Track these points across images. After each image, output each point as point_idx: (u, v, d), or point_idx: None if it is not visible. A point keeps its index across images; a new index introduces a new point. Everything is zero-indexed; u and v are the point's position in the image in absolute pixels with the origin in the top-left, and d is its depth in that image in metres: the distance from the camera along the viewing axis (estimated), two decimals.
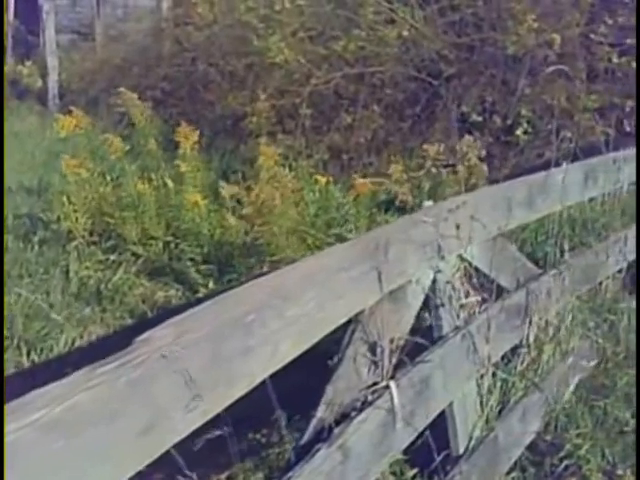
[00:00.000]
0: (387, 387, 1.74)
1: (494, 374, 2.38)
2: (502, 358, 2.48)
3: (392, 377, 1.78)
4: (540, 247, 3.50)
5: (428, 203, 2.23)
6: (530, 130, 5.24)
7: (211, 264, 4.16)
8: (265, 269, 3.97)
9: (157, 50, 8.81)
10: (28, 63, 10.83)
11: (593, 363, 2.97)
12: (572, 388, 2.80)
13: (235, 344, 1.14)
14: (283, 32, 5.60)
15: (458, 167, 4.42)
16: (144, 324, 3.45)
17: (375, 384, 1.74)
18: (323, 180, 4.55)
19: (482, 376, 2.30)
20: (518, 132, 5.31)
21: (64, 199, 4.38)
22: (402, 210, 4.75)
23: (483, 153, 4.54)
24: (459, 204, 2.17)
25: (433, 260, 2.05)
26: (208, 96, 7.17)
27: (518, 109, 5.33)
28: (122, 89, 4.85)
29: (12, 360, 2.96)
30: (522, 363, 2.56)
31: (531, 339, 2.62)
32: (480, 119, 5.61)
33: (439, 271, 2.13)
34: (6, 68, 11.07)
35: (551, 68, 4.51)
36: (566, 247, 2.90)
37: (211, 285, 3.91)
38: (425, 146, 4.65)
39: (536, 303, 2.62)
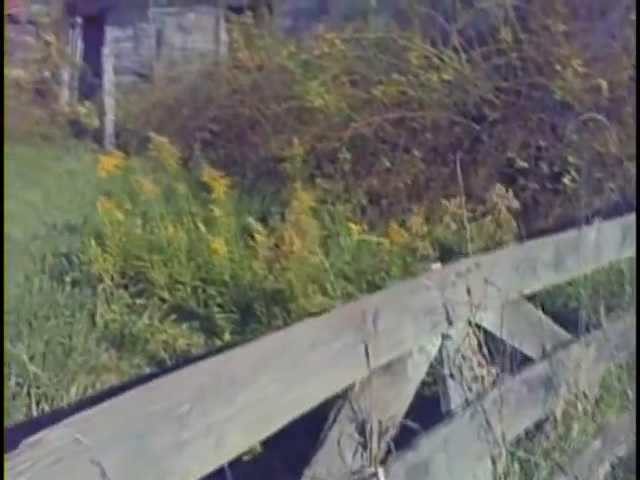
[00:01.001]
0: (375, 474, 1.57)
1: (512, 454, 2.16)
2: (524, 435, 2.26)
3: (382, 462, 1.61)
4: (571, 311, 3.25)
5: (436, 265, 2.07)
6: (578, 178, 4.99)
7: (236, 311, 4.08)
8: (289, 319, 3.87)
9: (208, 92, 8.98)
10: (88, 103, 11.24)
11: (633, 439, 2.69)
12: (607, 469, 2.53)
13: (165, 439, 1.02)
14: (324, 77, 5.59)
15: (485, 220, 4.23)
16: (160, 373, 3.39)
17: (362, 470, 1.58)
18: (355, 228, 4.43)
19: (498, 456, 2.08)
20: (565, 180, 5.07)
21: (96, 240, 4.41)
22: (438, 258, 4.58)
23: (515, 204, 4.31)
24: (471, 267, 2.01)
25: (437, 328, 1.89)
26: (253, 138, 7.22)
27: (565, 156, 5.09)
28: (152, 133, 4.86)
29: (22, 407, 2.93)
30: (547, 441, 2.33)
31: (558, 414, 2.38)
32: (526, 165, 5.39)
33: (447, 338, 1.96)
34: (68, 108, 11.56)
35: (585, 116, 4.28)
36: (601, 310, 2.66)
37: (231, 335, 3.81)
38: (444, 200, 4.48)
39: (565, 373, 2.40)
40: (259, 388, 1.21)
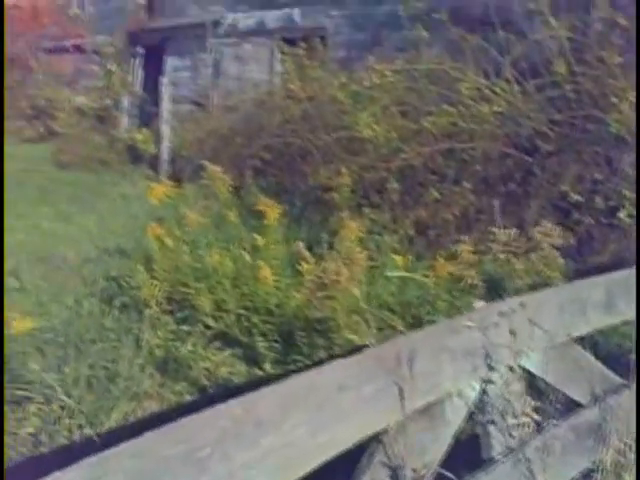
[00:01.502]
0: None
1: None
2: None
3: None
4: (625, 352, 3.10)
5: (479, 303, 2.01)
6: (634, 213, 4.82)
7: (279, 341, 4.06)
8: (331, 350, 3.83)
9: (261, 121, 9.13)
10: (145, 130, 11.60)
11: None
12: None
13: None
14: (374, 107, 5.60)
15: (531, 256, 4.11)
16: (200, 403, 3.39)
17: None
18: (400, 260, 4.38)
19: None
20: (621, 215, 4.90)
21: (145, 266, 4.49)
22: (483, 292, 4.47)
23: (560, 241, 4.18)
24: (515, 306, 1.94)
25: (478, 371, 1.82)
26: (303, 167, 7.28)
27: (621, 190, 4.93)
28: (204, 162, 4.94)
29: (64, 431, 2.96)
30: None
31: (608, 463, 2.26)
32: (580, 199, 5.25)
33: (488, 382, 1.89)
34: (126, 135, 11.95)
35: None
36: None
37: (272, 364, 3.79)
38: (494, 229, 4.37)
39: (615, 420, 2.28)
40: (285, 431, 1.18)
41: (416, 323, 4.31)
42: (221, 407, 1.08)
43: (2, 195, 5.22)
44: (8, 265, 5.69)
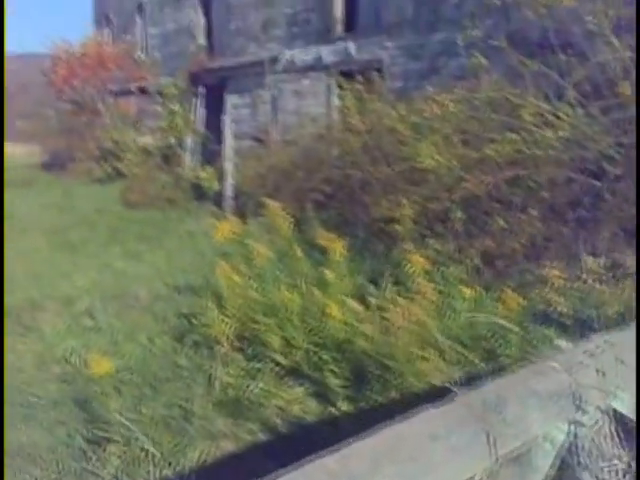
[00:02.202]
0: None
1: None
2: None
3: None
4: None
5: (562, 342, 1.95)
6: None
7: (349, 377, 4.04)
8: (402, 386, 3.78)
9: (320, 155, 9.23)
10: (208, 168, 11.91)
11: None
12: None
13: None
14: (434, 137, 5.58)
15: (621, 283, 3.96)
16: (274, 444, 3.40)
17: None
18: (467, 292, 4.31)
19: None
20: None
21: (215, 303, 4.57)
22: (561, 325, 4.34)
23: None
24: (602, 345, 1.88)
25: (568, 413, 1.76)
26: (364, 199, 7.30)
27: None
28: (265, 199, 5.02)
29: (143, 472, 3.02)
30: None
31: None
32: None
33: (578, 425, 1.83)
34: (190, 173, 12.30)
35: None
36: None
37: (345, 401, 3.77)
38: (585, 257, 4.24)
39: None
40: None
41: (489, 357, 4.21)
42: (317, 462, 1.08)
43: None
44: (83, 304, 5.92)
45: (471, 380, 3.11)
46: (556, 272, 4.51)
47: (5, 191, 5.91)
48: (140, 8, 21.75)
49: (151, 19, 21.12)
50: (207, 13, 18.60)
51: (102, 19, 24.78)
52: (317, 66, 13.73)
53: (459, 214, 5.51)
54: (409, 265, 4.65)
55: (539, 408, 1.66)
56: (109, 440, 3.29)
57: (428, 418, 1.37)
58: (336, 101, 12.87)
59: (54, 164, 19.82)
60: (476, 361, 3.84)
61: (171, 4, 19.78)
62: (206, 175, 11.39)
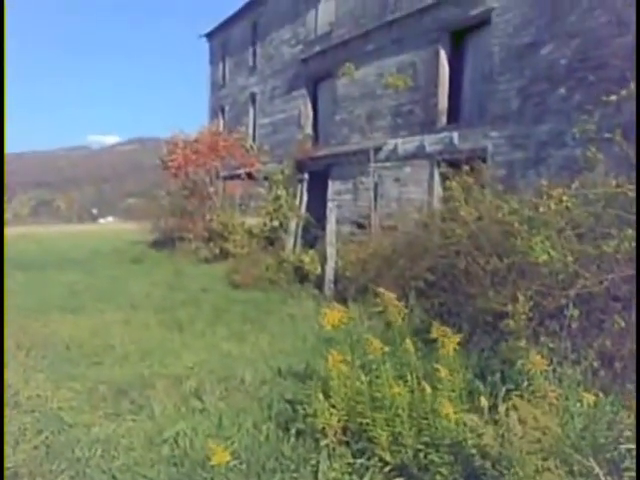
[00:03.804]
0: None
1: None
2: None
3: None
4: None
5: None
6: None
7: None
8: None
9: (423, 242, 9.24)
10: (311, 252, 12.19)
11: None
12: None
13: None
14: (547, 231, 5.47)
15: None
16: None
17: None
18: (590, 397, 4.07)
19: None
20: None
21: (322, 395, 4.55)
22: None
23: None
24: None
25: None
26: (469, 289, 7.18)
27: None
28: (381, 289, 5.03)
29: None
30: None
31: None
32: None
33: None
34: (294, 256, 12.61)
35: None
36: None
37: None
38: None
39: None
40: None
41: (612, 469, 3.91)
42: None
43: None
44: (191, 384, 6.07)
45: None
46: None
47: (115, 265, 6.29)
48: (253, 99, 23.25)
49: (262, 110, 22.51)
50: (314, 105, 19.62)
51: (217, 110, 26.66)
52: (420, 154, 14.02)
53: (575, 312, 5.29)
54: (526, 364, 4.46)
55: None
56: None
57: None
58: (438, 189, 12.99)
59: (164, 243, 20.94)
60: (600, 475, 3.56)
61: (281, 96, 21.05)
62: (308, 259, 11.65)
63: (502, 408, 3.96)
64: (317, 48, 18.51)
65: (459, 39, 13.92)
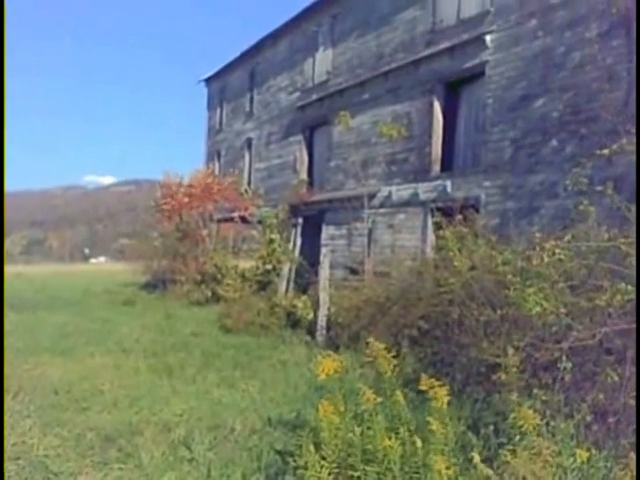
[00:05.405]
0: None
1: None
2: None
3: None
4: None
5: None
6: None
7: None
8: None
9: (417, 290, 9.24)
10: (304, 297, 12.14)
11: None
12: None
13: None
14: (541, 283, 5.48)
15: None
16: None
17: None
18: (584, 454, 4.02)
19: None
20: None
21: (313, 446, 4.46)
22: None
23: None
24: None
25: None
26: (462, 339, 7.15)
27: None
28: (371, 339, 4.99)
29: None
30: None
31: None
32: None
33: None
34: (286, 301, 12.56)
35: None
36: None
37: None
38: None
39: None
40: None
41: None
42: None
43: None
44: (180, 432, 5.95)
45: None
46: None
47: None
48: (249, 144, 23.52)
49: (258, 155, 22.75)
50: (310, 151, 19.86)
51: (214, 154, 26.92)
52: (413, 202, 14.13)
53: (568, 364, 5.27)
54: (517, 418, 4.42)
55: None
56: None
57: None
58: (431, 236, 13.05)
59: (156, 284, 20.81)
60: None
61: (277, 142, 21.32)
62: (301, 304, 11.60)
63: (495, 464, 3.90)
64: (314, 96, 18.84)
65: (453, 90, 14.22)
